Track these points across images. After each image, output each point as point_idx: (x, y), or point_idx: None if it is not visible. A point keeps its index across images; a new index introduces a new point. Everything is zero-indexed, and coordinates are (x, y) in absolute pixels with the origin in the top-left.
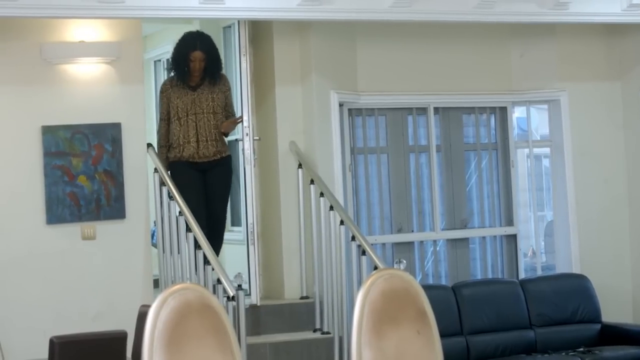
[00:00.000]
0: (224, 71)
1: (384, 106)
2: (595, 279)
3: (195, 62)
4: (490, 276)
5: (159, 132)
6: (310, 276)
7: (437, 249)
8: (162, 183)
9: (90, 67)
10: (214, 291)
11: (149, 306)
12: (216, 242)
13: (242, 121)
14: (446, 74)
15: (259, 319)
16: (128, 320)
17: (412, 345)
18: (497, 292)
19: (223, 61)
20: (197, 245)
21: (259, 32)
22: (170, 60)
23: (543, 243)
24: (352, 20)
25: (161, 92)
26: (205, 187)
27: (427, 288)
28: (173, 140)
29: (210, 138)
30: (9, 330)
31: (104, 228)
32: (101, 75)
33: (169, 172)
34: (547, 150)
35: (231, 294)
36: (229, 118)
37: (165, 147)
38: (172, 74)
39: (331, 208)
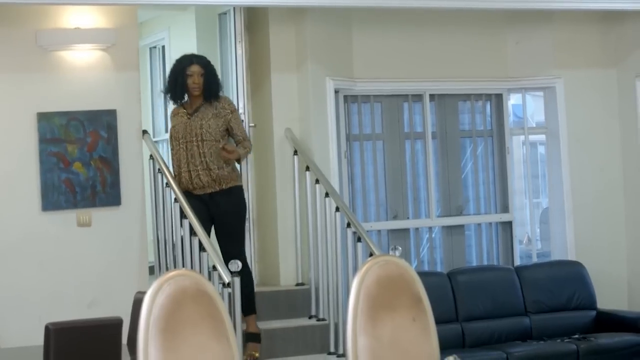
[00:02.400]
0: (222, 92)
1: (380, 93)
2: (590, 265)
3: (194, 77)
4: (485, 263)
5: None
6: (306, 263)
7: (433, 235)
8: (159, 170)
9: (86, 54)
10: (210, 277)
11: (144, 293)
12: (244, 286)
13: (228, 151)
14: (442, 61)
15: None
16: (124, 307)
17: (407, 332)
18: (493, 279)
19: (220, 71)
20: (192, 232)
21: (255, 18)
22: (164, 82)
23: (538, 230)
24: (347, 7)
25: (170, 118)
26: (213, 224)
27: (422, 275)
28: (173, 169)
29: (202, 167)
30: (5, 317)
31: (100, 215)
32: (96, 62)
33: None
34: (542, 137)
35: (226, 280)
36: (238, 142)
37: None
38: (167, 96)
39: (327, 195)
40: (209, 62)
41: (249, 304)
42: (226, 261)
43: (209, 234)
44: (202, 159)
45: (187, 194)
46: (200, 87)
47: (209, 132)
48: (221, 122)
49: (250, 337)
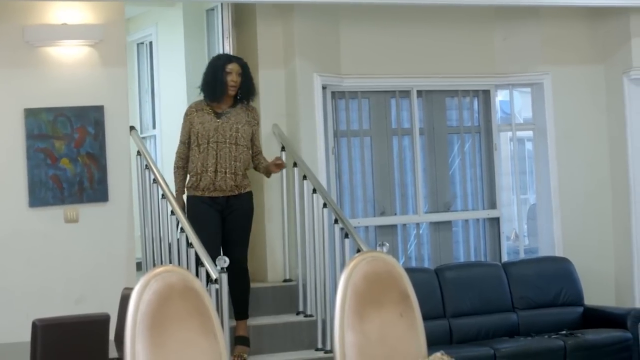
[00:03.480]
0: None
1: (367, 89)
2: (577, 262)
3: (233, 74)
4: (473, 259)
5: (177, 153)
6: (294, 259)
7: (420, 231)
8: (147, 166)
9: (73, 50)
10: (197, 274)
11: (131, 289)
12: (243, 290)
13: (284, 165)
14: (429, 57)
15: None
16: (111, 303)
17: (394, 328)
18: (480, 275)
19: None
20: (180, 229)
21: (242, 14)
22: (202, 80)
23: (526, 226)
24: (335, 3)
25: (185, 114)
26: (223, 227)
27: (409, 271)
28: (191, 167)
29: (230, 170)
30: None
31: (87, 211)
32: (84, 58)
33: (183, 203)
34: (530, 133)
35: (214, 276)
36: (256, 153)
37: (183, 169)
38: (200, 94)
39: (314, 191)
40: (246, 63)
41: (244, 309)
42: (234, 267)
43: (221, 237)
44: (232, 163)
45: (201, 199)
46: (237, 86)
47: (244, 137)
48: (250, 131)
49: (241, 341)
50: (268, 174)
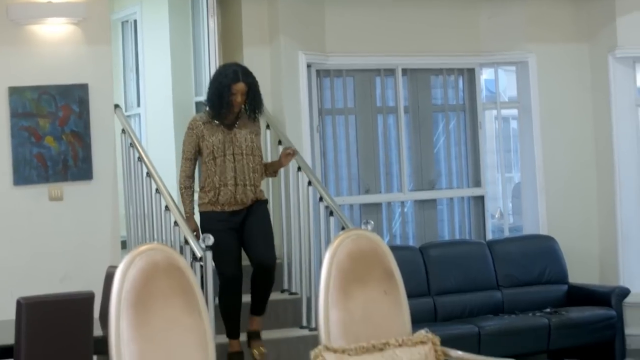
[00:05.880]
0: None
1: (352, 67)
2: (562, 240)
3: (237, 95)
4: (457, 237)
5: (183, 171)
6: (278, 237)
7: (405, 210)
8: (131, 144)
9: (57, 28)
10: (181, 252)
11: (116, 267)
12: (267, 289)
13: (295, 153)
14: (414, 36)
15: None
16: (96, 281)
17: (379, 305)
18: (465, 253)
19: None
20: (165, 207)
21: None
22: (208, 94)
23: (510, 204)
24: None
25: (190, 128)
26: (243, 232)
27: (394, 249)
28: (207, 183)
29: (250, 182)
30: None
31: (72, 189)
32: (68, 36)
33: (195, 224)
34: (515, 112)
35: (198, 254)
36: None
37: (190, 189)
38: (206, 109)
39: (299, 169)
40: (254, 78)
41: (264, 305)
42: (260, 273)
43: (240, 254)
44: (251, 174)
45: (218, 215)
46: (242, 105)
47: (258, 147)
48: (259, 140)
49: (256, 335)
50: (275, 172)
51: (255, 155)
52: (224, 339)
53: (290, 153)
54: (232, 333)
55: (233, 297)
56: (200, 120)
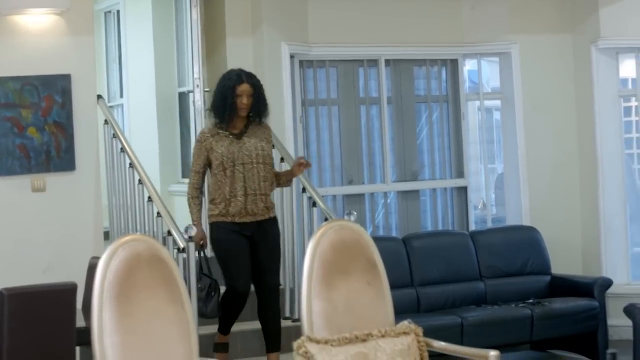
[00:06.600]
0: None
1: (335, 58)
2: (545, 231)
3: (243, 97)
4: (440, 228)
5: (192, 184)
6: None
7: (388, 201)
8: (114, 135)
9: (40, 18)
10: (164, 243)
11: (99, 258)
12: (276, 319)
13: (308, 165)
14: (397, 26)
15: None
16: (78, 273)
17: (362, 296)
18: (448, 244)
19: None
20: (148, 197)
21: None
22: (212, 101)
23: (493, 195)
24: None
25: (199, 141)
26: (252, 253)
27: (377, 240)
28: (217, 194)
29: (260, 192)
30: None
31: (54, 180)
32: (51, 26)
33: (202, 232)
34: (497, 102)
35: (181, 245)
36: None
37: (198, 199)
38: (212, 118)
39: (282, 160)
40: (259, 81)
41: (278, 339)
42: (265, 295)
43: (250, 266)
44: (262, 183)
45: (229, 225)
46: (249, 108)
47: (269, 155)
48: (270, 148)
49: None
50: (289, 182)
51: (266, 163)
52: (207, 330)
53: (303, 164)
54: (225, 330)
55: (238, 308)
56: (209, 133)
